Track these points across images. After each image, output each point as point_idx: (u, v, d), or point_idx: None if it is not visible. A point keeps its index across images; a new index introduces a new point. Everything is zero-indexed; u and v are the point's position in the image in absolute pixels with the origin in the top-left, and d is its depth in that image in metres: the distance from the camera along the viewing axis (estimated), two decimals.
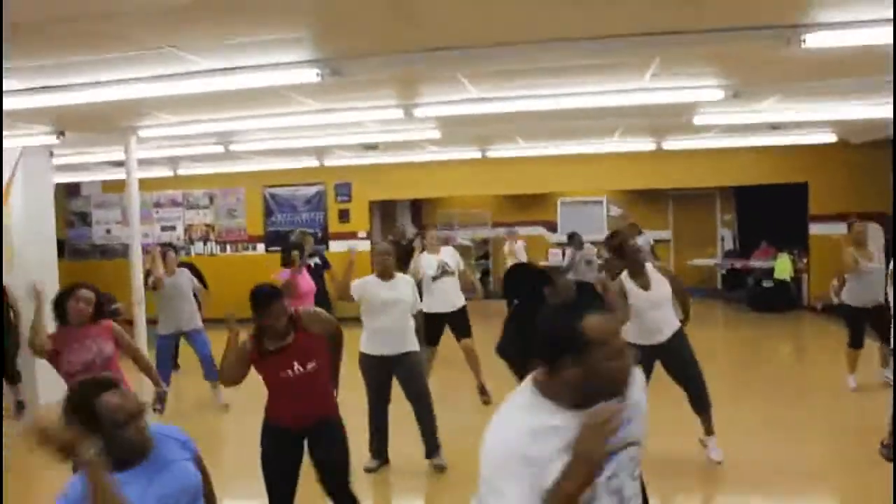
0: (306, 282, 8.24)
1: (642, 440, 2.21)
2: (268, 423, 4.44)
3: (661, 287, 5.80)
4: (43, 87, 5.73)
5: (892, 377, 7.80)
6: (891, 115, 8.18)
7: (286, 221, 15.13)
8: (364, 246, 14.38)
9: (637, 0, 4.27)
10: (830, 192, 12.96)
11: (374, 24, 4.52)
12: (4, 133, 8.01)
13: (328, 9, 4.22)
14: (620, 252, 5.93)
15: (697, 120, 8.82)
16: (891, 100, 7.78)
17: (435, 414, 6.25)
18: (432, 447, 6.21)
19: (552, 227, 16.72)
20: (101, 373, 4.59)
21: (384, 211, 16.25)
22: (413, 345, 6.18)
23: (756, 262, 14.18)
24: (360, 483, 5.18)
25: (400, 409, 6.29)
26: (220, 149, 10.07)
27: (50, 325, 4.99)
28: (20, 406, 8.45)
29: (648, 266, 5.86)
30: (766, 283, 13.57)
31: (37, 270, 8.72)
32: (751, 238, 15.12)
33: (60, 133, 8.05)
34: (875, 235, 8.83)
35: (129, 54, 4.89)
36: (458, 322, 8.12)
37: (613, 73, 6.24)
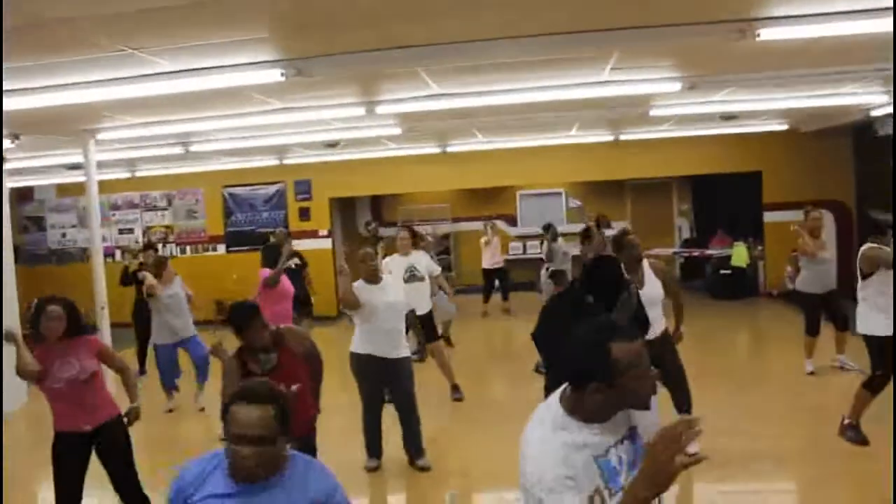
0: (286, 284, 8.14)
1: None
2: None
3: (654, 286, 5.72)
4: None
5: (846, 362, 8.04)
6: (839, 103, 8.44)
7: (246, 221, 15.05)
8: (326, 244, 14.39)
9: None
10: (783, 180, 13.23)
11: (336, 23, 4.54)
12: None
13: (291, 9, 4.24)
14: (618, 246, 5.83)
15: (654, 112, 8.97)
16: (838, 90, 8.04)
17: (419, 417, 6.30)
18: (417, 451, 6.25)
19: (512, 221, 16.82)
20: (84, 388, 4.60)
21: (344, 208, 16.23)
22: (406, 349, 6.19)
23: (713, 251, 14.44)
24: (355, 482, 5.19)
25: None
26: (179, 150, 9.99)
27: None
28: None
29: (645, 263, 5.82)
30: (724, 271, 13.82)
31: None
32: (707, 227, 15.39)
33: (15, 137, 7.93)
34: (827, 224, 9.08)
35: (91, 57, 4.85)
36: (424, 327, 8.08)
37: (573, 68, 6.33)
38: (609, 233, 12.04)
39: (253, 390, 2.50)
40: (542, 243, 13.75)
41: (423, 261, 8.31)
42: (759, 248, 13.86)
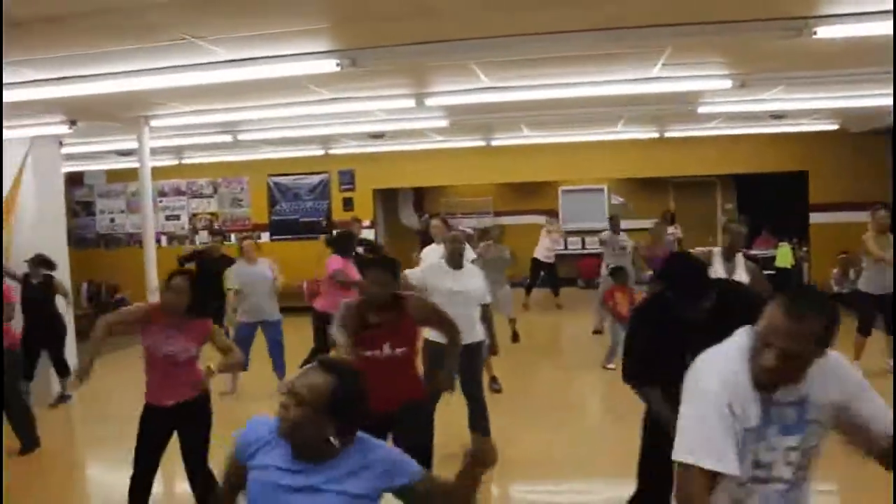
0: (353, 271, 8.16)
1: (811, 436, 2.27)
2: None
3: (743, 279, 5.70)
4: (59, 78, 5.79)
5: (893, 364, 7.92)
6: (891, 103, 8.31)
7: (290, 210, 15.21)
8: (369, 234, 14.47)
9: None
10: (830, 180, 13.06)
11: (392, 14, 4.60)
12: (15, 123, 8.08)
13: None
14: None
15: (702, 109, 8.91)
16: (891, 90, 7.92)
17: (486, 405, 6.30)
18: (485, 432, 6.25)
19: (553, 216, 16.80)
20: (177, 367, 4.68)
21: (386, 199, 16.33)
22: (479, 335, 6.15)
23: (757, 251, 14.30)
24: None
25: None
26: (227, 138, 10.15)
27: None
28: (64, 398, 8.59)
29: (739, 255, 5.83)
30: (768, 272, 13.67)
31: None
32: (751, 227, 15.22)
33: (72, 123, 8.11)
34: None
35: (150, 45, 4.96)
36: None
37: (624, 63, 6.33)
38: (671, 230, 12.08)
39: (329, 361, 2.46)
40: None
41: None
42: (805, 249, 13.71)
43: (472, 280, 6.10)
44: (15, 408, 6.89)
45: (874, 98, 8.40)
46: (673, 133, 12.14)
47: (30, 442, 6.93)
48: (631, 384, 3.83)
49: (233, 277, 8.61)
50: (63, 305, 8.66)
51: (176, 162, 13.86)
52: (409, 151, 13.37)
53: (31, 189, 9.10)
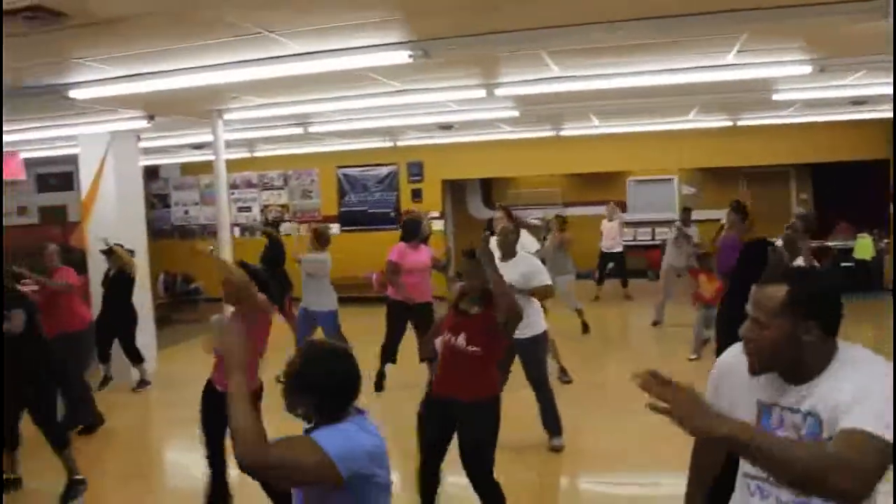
0: (420, 256, 8.20)
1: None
2: (429, 388, 4.61)
3: None
4: (137, 74, 5.94)
5: None
6: None
7: (359, 201, 15.36)
8: (438, 226, 14.52)
9: None
10: None
11: (464, 3, 4.59)
12: (96, 119, 8.33)
13: None
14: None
15: (778, 96, 8.69)
16: None
17: (554, 398, 6.30)
18: (554, 429, 6.28)
19: (622, 207, 16.58)
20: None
21: (455, 191, 16.35)
22: (537, 328, 6.13)
23: (834, 242, 13.90)
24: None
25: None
26: (298, 130, 10.28)
27: None
28: (144, 383, 8.94)
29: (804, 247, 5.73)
30: (846, 263, 13.28)
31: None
32: (828, 217, 14.80)
33: (150, 117, 8.32)
34: None
35: (224, 40, 5.04)
36: None
37: (699, 50, 6.21)
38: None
39: (309, 343, 2.71)
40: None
41: (528, 240, 8.22)
42: (885, 240, 13.27)
43: (521, 272, 6.02)
44: (74, 387, 7.18)
45: None
46: (746, 121, 11.87)
47: (90, 420, 7.31)
48: None
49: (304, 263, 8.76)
50: (146, 293, 8.91)
51: (248, 154, 14.10)
52: (478, 142, 13.34)
53: (112, 182, 9.40)
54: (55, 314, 6.71)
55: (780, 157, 13.97)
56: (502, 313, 4.33)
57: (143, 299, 9.25)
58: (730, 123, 11.97)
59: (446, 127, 11.07)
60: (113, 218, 9.38)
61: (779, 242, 6.06)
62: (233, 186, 15.91)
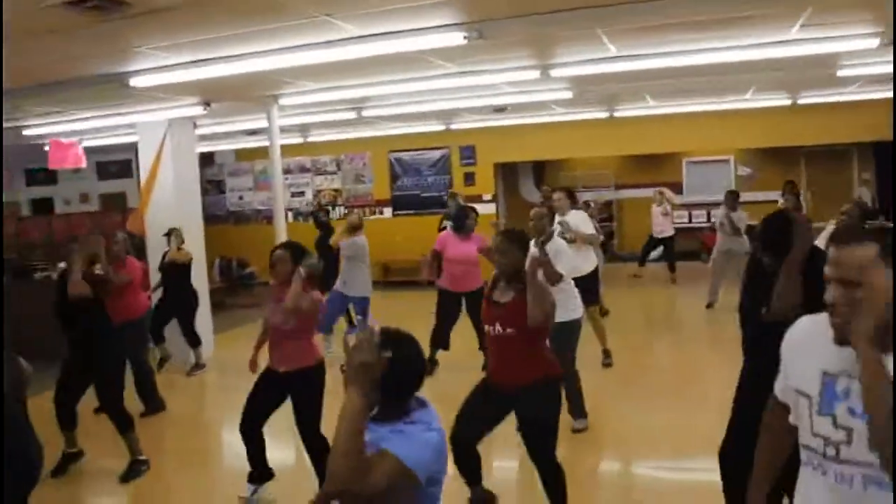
0: (465, 245, 8.20)
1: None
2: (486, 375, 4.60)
3: None
4: (194, 61, 5.99)
5: None
6: None
7: (412, 185, 15.37)
8: (490, 209, 14.49)
9: None
10: None
11: None
12: (154, 106, 8.45)
13: None
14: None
15: (842, 72, 8.45)
16: None
17: (579, 378, 6.26)
18: (577, 412, 6.26)
19: (677, 189, 16.34)
20: (284, 336, 4.92)
21: (506, 173, 16.28)
22: (570, 314, 6.03)
23: None
24: (506, 442, 5.24)
25: None
26: (352, 115, 10.31)
27: None
28: (199, 366, 9.15)
29: None
30: None
31: (186, 236, 9.23)
32: (891, 197, 14.40)
33: (206, 104, 8.41)
34: None
35: (281, 25, 5.05)
36: (584, 287, 8.00)
37: (759, 26, 6.05)
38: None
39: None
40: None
41: (577, 220, 8.10)
42: None
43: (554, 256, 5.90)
44: (139, 372, 7.47)
45: None
46: (807, 99, 11.56)
47: (154, 404, 7.54)
48: None
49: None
50: (202, 278, 9.08)
51: (301, 140, 14.21)
52: (531, 125, 13.26)
53: (169, 168, 9.53)
54: (119, 303, 6.85)
55: (841, 136, 13.58)
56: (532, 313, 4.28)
57: (199, 284, 9.39)
58: (789, 102, 11.68)
59: (500, 109, 11.01)
60: (170, 204, 9.53)
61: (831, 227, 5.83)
62: (286, 171, 16.04)
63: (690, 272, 13.65)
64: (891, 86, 10.42)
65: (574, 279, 7.74)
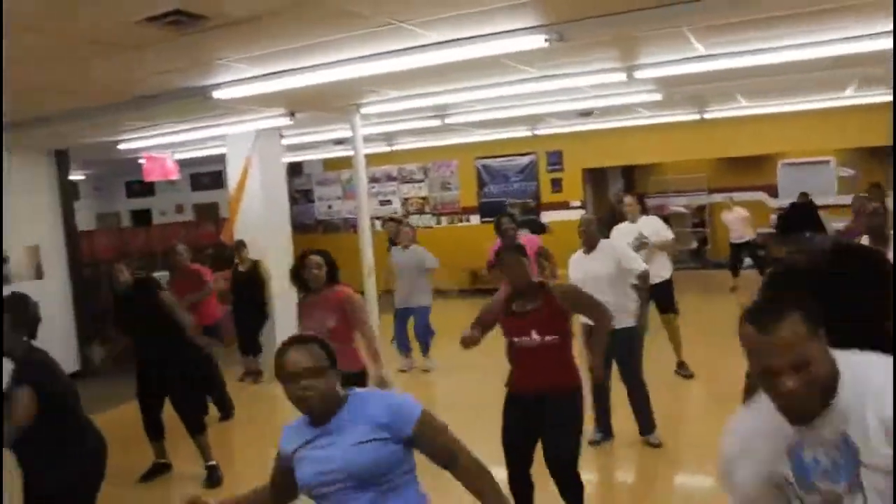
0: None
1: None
2: (508, 391, 4.44)
3: None
4: (274, 73, 6.04)
5: None
6: None
7: (499, 192, 15.27)
8: (577, 216, 14.25)
9: None
10: None
11: None
12: (242, 118, 8.59)
13: None
14: None
15: None
16: None
17: (648, 392, 6.07)
18: (647, 425, 6.05)
19: (772, 191, 15.77)
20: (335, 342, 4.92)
21: (595, 179, 16.01)
22: (629, 320, 5.86)
23: None
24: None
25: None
26: (436, 122, 10.29)
27: None
28: (258, 374, 9.31)
29: None
30: None
31: (273, 245, 9.38)
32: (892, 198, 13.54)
33: (291, 114, 8.51)
34: None
35: (360, 32, 5.03)
36: (661, 295, 7.79)
37: (859, 16, 5.72)
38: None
39: (298, 337, 2.66)
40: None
41: (652, 226, 7.87)
42: None
43: (603, 263, 5.79)
44: (214, 380, 7.74)
45: None
46: None
47: (227, 411, 7.84)
48: None
49: (389, 260, 8.96)
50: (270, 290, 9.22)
51: (387, 148, 14.27)
52: (619, 128, 12.99)
53: (257, 179, 9.70)
54: (193, 312, 7.02)
55: None
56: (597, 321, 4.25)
57: (286, 293, 9.49)
58: (892, 98, 11.10)
59: (585, 113, 10.81)
60: (258, 214, 9.70)
61: None
62: (373, 180, 16.20)
63: None
64: None
65: (651, 286, 7.58)
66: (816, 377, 1.75)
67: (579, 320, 5.26)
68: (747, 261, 13.43)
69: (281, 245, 9.86)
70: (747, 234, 13.11)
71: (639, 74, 7.06)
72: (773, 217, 14.50)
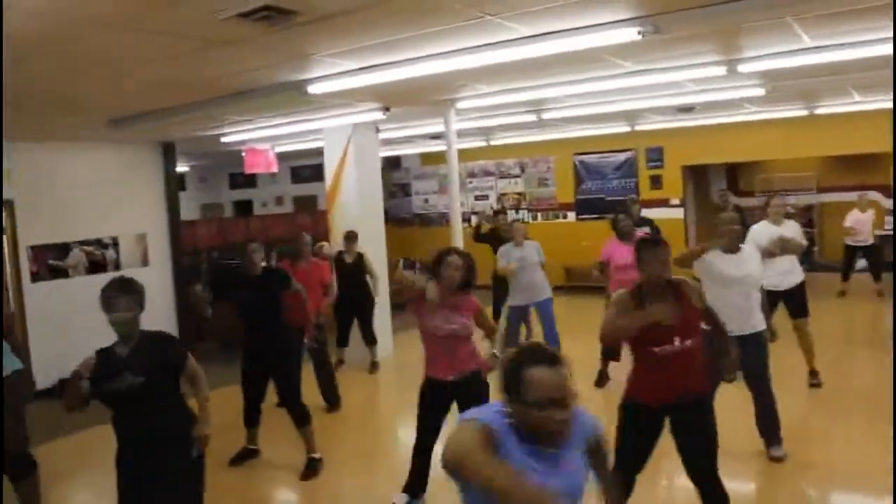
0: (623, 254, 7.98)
1: None
2: (631, 398, 4.31)
3: None
4: (366, 67, 6.05)
5: None
6: None
7: (596, 188, 15.04)
8: (678, 214, 13.93)
9: None
10: None
11: None
12: (339, 112, 8.69)
13: None
14: None
15: None
16: None
17: (775, 402, 5.81)
18: (771, 438, 5.81)
19: (887, 192, 14.99)
20: (457, 343, 4.91)
21: (696, 176, 15.58)
22: (760, 324, 5.67)
23: None
24: None
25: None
26: (532, 118, 10.19)
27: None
28: (375, 365, 9.49)
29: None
30: None
31: (368, 237, 9.47)
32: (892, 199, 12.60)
33: (386, 109, 8.55)
34: None
35: (451, 26, 4.99)
36: (793, 300, 7.53)
37: None
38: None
39: (545, 353, 2.39)
40: None
41: (793, 231, 7.56)
42: None
43: (750, 264, 5.60)
44: (320, 370, 7.90)
45: None
46: None
47: (334, 401, 7.95)
48: None
49: (499, 258, 8.80)
50: (371, 282, 9.33)
51: (484, 143, 14.25)
52: (721, 125, 12.59)
53: (353, 172, 9.83)
54: (297, 302, 7.13)
55: None
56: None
57: (380, 285, 9.60)
58: None
59: (686, 109, 10.50)
60: (354, 207, 9.83)
61: None
62: (470, 175, 16.22)
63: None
64: None
65: (782, 291, 7.32)
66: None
67: None
68: (860, 264, 12.79)
69: (375, 238, 9.95)
70: (870, 238, 12.49)
71: (741, 68, 6.78)
72: (889, 219, 13.85)
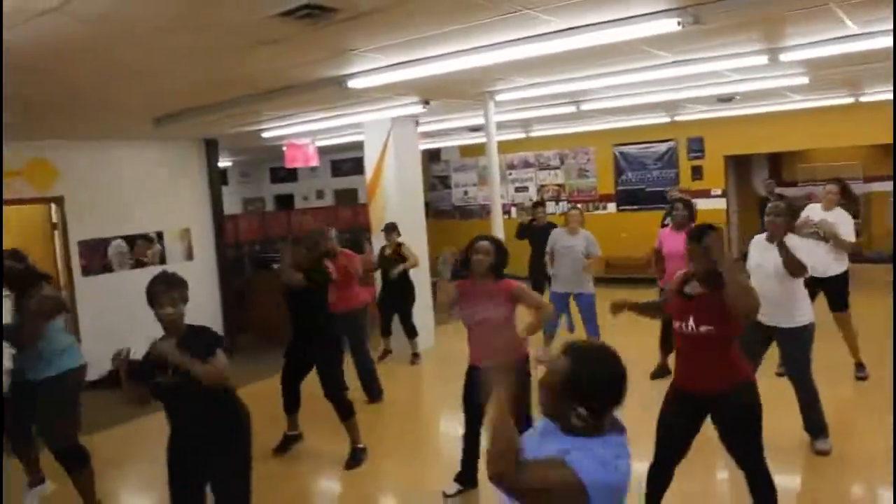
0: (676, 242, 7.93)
1: None
2: (672, 382, 4.36)
3: None
4: (406, 62, 6.10)
5: None
6: None
7: (636, 179, 14.95)
8: (720, 204, 13.81)
9: None
10: None
11: None
12: (378, 106, 8.76)
13: None
14: None
15: None
16: None
17: (818, 396, 5.75)
18: (815, 430, 5.77)
19: None
20: (494, 332, 4.86)
21: (738, 166, 15.40)
22: (800, 318, 5.58)
23: None
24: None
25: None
26: (571, 109, 10.16)
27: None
28: (416, 357, 9.63)
29: None
30: None
31: (409, 230, 9.54)
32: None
33: (425, 102, 8.60)
34: None
35: (485, 21, 5.01)
36: (832, 291, 7.43)
37: None
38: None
39: (572, 345, 2.49)
40: None
41: (842, 220, 7.46)
42: None
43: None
44: (360, 362, 7.99)
45: None
46: None
47: (375, 393, 8.04)
48: None
49: (550, 242, 8.91)
50: (412, 271, 9.40)
51: (524, 135, 14.24)
52: (764, 114, 12.44)
53: (393, 165, 9.89)
54: (336, 294, 7.22)
55: None
56: (734, 301, 3.93)
57: (422, 277, 9.68)
58: None
59: (726, 99, 10.40)
60: (394, 200, 9.90)
61: None
62: (510, 167, 16.21)
63: None
64: None
65: (823, 280, 7.20)
66: None
67: None
68: None
69: (416, 231, 10.02)
70: None
71: (783, 57, 6.70)
72: None
